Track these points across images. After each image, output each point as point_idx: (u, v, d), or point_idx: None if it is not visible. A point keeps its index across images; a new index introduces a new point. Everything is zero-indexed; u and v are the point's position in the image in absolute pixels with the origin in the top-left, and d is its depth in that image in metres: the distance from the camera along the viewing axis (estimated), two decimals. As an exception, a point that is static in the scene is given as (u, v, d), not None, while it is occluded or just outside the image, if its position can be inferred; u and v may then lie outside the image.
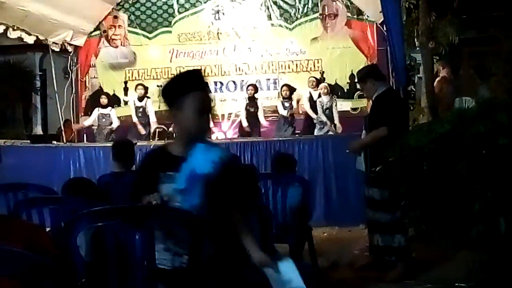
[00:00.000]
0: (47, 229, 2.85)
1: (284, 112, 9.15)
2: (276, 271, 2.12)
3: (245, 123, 9.21)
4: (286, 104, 9.18)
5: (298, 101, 9.53)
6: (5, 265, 1.25)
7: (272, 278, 2.13)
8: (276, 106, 9.50)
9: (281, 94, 9.35)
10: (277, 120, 9.39)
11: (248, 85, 9.49)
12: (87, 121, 9.71)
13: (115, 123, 9.60)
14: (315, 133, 8.86)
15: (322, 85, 9.20)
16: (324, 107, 9.00)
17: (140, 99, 9.50)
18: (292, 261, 2.16)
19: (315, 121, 9.03)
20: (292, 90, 9.28)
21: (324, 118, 8.91)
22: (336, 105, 9.08)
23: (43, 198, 3.38)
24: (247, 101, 9.29)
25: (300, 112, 9.56)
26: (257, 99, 9.33)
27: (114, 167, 4.59)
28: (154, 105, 9.85)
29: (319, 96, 9.08)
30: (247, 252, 2.28)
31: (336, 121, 8.97)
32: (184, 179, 2.20)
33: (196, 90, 2.29)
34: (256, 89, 9.36)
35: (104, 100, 9.67)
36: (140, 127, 9.36)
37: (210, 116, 2.37)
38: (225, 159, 2.28)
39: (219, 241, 2.28)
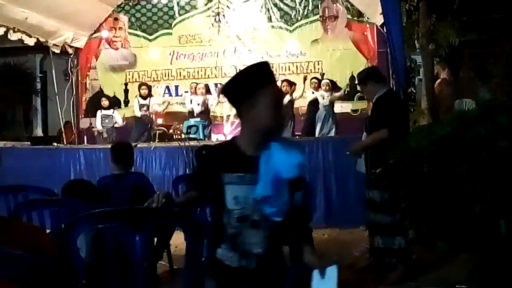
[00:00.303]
0: (47, 231, 2.85)
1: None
2: (322, 276, 2.08)
3: None
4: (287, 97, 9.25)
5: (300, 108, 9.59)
6: (5, 268, 1.25)
7: (316, 279, 2.08)
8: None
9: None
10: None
11: None
12: (97, 125, 9.73)
13: (120, 122, 9.72)
14: (316, 134, 8.88)
15: (323, 82, 9.31)
16: (325, 99, 9.15)
17: (144, 98, 9.56)
18: (337, 268, 2.11)
19: (317, 115, 9.11)
20: (291, 85, 9.30)
21: (324, 102, 9.11)
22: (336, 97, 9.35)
23: (43, 200, 3.38)
24: None
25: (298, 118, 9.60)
26: None
27: (113, 169, 4.60)
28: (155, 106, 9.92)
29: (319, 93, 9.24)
30: (302, 252, 2.20)
31: (338, 103, 9.31)
32: (268, 184, 2.01)
33: (270, 83, 2.12)
34: None
35: (105, 102, 9.72)
36: (143, 120, 9.47)
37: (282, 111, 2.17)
38: (305, 160, 2.13)
39: (283, 243, 2.21)
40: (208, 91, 9.70)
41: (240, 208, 2.06)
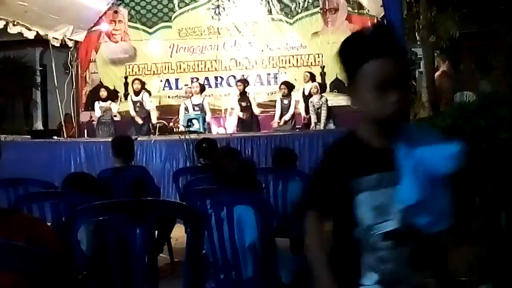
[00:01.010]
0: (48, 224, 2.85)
1: (280, 112, 9.12)
2: None
3: (241, 115, 9.22)
4: (285, 102, 9.12)
5: (297, 102, 9.41)
6: (6, 259, 1.25)
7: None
8: (275, 101, 9.45)
9: (280, 92, 9.31)
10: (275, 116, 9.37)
11: (237, 81, 9.46)
12: (96, 114, 9.66)
13: (115, 111, 9.63)
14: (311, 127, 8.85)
15: (312, 84, 9.05)
16: (316, 107, 8.88)
17: (137, 93, 9.45)
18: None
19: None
20: (290, 88, 9.20)
21: (314, 118, 8.85)
22: (326, 104, 8.84)
23: (43, 193, 3.38)
24: (239, 97, 9.27)
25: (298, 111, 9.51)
26: (248, 93, 9.28)
27: (114, 162, 4.60)
28: (154, 100, 9.89)
29: (310, 95, 8.99)
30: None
31: (323, 119, 8.78)
32: (418, 184, 1.47)
33: (378, 56, 1.51)
34: (244, 84, 9.31)
35: (103, 93, 9.66)
36: (138, 119, 9.32)
37: (402, 92, 1.51)
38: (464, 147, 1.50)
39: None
40: (203, 89, 9.53)
41: (382, 222, 1.52)
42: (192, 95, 9.20)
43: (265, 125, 9.36)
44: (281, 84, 9.32)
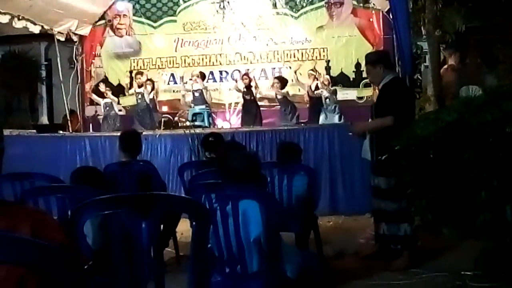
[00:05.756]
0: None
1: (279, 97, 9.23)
2: None
3: (246, 107, 9.38)
4: (279, 97, 9.25)
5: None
6: (13, 252, 1.26)
7: None
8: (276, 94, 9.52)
9: (274, 87, 9.34)
10: (279, 110, 9.42)
11: (243, 75, 9.53)
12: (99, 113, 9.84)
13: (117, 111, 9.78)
14: (320, 122, 8.88)
15: (325, 77, 9.29)
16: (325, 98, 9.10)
17: (139, 86, 9.72)
18: None
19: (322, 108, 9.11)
20: (283, 82, 9.26)
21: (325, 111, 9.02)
22: (336, 97, 9.11)
23: (49, 187, 3.39)
24: (245, 90, 9.35)
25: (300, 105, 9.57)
26: (252, 87, 9.36)
27: (120, 157, 4.61)
28: (162, 94, 9.96)
29: (317, 87, 9.18)
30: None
31: (337, 110, 9.01)
32: None
33: None
34: (250, 77, 9.41)
35: (108, 93, 9.81)
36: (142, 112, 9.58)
37: None
38: None
39: None
40: (203, 77, 9.67)
41: None
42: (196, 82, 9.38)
43: (270, 118, 9.41)
44: (275, 78, 9.38)
